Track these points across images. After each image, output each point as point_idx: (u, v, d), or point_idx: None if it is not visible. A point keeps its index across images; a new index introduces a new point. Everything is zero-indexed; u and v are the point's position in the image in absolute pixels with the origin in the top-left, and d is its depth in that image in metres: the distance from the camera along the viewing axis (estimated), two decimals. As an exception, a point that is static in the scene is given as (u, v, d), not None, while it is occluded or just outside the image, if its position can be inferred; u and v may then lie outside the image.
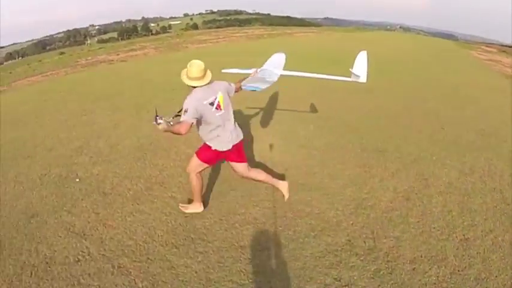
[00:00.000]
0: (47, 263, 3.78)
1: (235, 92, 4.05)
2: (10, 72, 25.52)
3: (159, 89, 11.29)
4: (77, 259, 3.81)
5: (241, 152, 4.16)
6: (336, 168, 5.63)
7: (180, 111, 3.65)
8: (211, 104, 3.66)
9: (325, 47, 25.53)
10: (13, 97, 13.32)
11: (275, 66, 4.80)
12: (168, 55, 22.48)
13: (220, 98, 3.72)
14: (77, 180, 5.53)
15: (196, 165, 4.06)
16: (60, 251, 3.96)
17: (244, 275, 3.49)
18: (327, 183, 5.19)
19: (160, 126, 3.50)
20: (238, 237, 4.07)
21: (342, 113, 8.65)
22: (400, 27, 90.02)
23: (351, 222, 4.22)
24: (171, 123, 3.55)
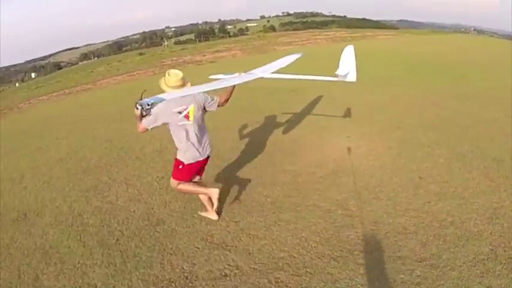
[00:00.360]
0: (186, 278, 3.71)
1: (223, 103, 4.39)
2: (91, 71, 28.55)
3: (265, 92, 11.77)
4: (223, 273, 3.72)
5: (203, 169, 4.57)
6: (464, 177, 5.68)
7: (141, 97, 3.51)
8: (180, 112, 4.02)
9: (420, 51, 24.71)
10: (102, 95, 14.63)
11: (265, 70, 4.94)
12: (256, 57, 23.47)
13: (191, 109, 4.06)
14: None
15: (176, 184, 4.42)
16: (201, 265, 3.88)
17: (408, 286, 3.54)
18: (460, 192, 5.24)
19: (136, 112, 3.73)
20: (394, 248, 4.05)
21: (457, 120, 8.76)
22: (474, 29, 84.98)
23: (489, 231, 4.33)
24: (145, 115, 3.86)
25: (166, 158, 6.84)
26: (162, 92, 3.92)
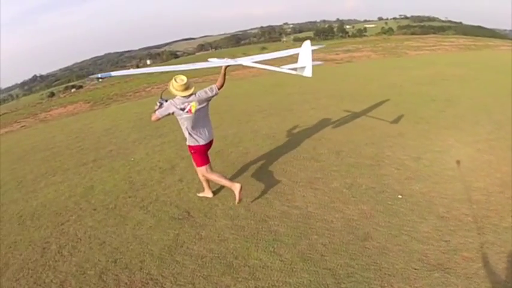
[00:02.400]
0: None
1: (219, 89, 5.20)
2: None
3: (424, 100, 10.78)
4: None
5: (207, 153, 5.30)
6: None
7: (161, 96, 5.14)
8: (182, 109, 4.94)
9: None
10: (244, 86, 14.66)
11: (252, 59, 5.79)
12: (392, 60, 22.63)
13: (192, 105, 4.97)
14: (399, 196, 5.20)
15: (204, 171, 5.35)
16: (423, 288, 3.47)
17: None
18: None
19: (156, 106, 5.04)
20: None
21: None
22: None
23: None
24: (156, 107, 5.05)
25: (346, 161, 6.53)
26: (171, 94, 5.02)
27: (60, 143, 10.06)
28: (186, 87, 4.94)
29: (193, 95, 5.03)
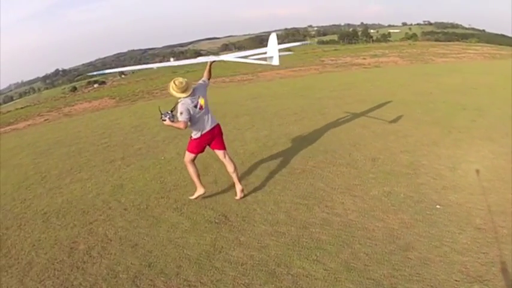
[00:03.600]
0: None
1: (209, 79, 5.74)
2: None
3: (447, 106, 10.71)
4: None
5: (219, 139, 5.65)
6: None
7: (173, 110, 5.26)
8: (195, 106, 5.26)
9: None
10: (271, 87, 14.58)
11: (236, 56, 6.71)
12: (419, 66, 22.46)
13: (201, 101, 5.31)
14: (438, 206, 5.08)
15: (188, 156, 5.57)
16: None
17: None
18: None
19: (165, 122, 5.10)
20: None
21: None
22: None
23: None
24: (173, 119, 5.10)
25: (383, 169, 6.40)
26: (173, 96, 5.35)
27: (86, 139, 10.04)
28: (186, 88, 5.24)
29: (195, 91, 5.37)
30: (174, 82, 5.22)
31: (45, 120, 15.63)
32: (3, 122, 17.63)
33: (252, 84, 17.36)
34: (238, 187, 5.63)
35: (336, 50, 38.35)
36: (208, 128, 5.47)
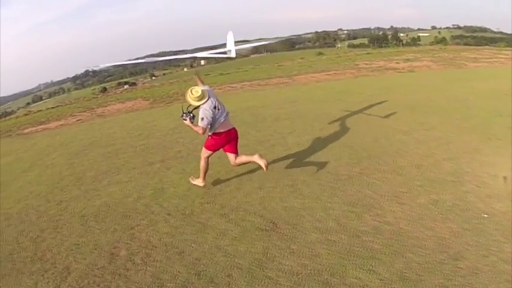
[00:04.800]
0: None
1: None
2: (280, 65, 29.41)
3: (484, 113, 10.47)
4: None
5: (235, 143, 6.12)
6: None
7: (193, 110, 5.82)
8: (215, 107, 5.74)
9: None
10: (309, 91, 14.45)
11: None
12: (452, 71, 22.18)
13: (218, 104, 5.79)
14: (485, 215, 5.07)
15: (205, 153, 6.04)
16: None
17: None
18: None
19: (185, 122, 5.73)
20: None
21: None
22: None
23: None
24: (193, 121, 5.69)
25: (428, 176, 6.32)
26: (189, 104, 5.86)
27: (122, 140, 10.04)
28: (202, 96, 5.76)
29: (211, 97, 5.91)
30: (191, 91, 5.76)
31: (78, 120, 15.77)
32: (34, 121, 17.87)
33: (288, 87, 17.24)
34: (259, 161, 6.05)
35: (368, 53, 38.05)
36: (225, 127, 5.96)
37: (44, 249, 4.98)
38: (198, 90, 5.78)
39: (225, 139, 6.00)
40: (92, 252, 4.77)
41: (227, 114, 6.04)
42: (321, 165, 6.84)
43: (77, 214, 5.88)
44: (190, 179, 6.41)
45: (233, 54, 7.16)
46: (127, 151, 8.90)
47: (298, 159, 7.20)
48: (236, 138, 6.12)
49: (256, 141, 8.57)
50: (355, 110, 11.00)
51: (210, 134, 5.97)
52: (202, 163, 6.09)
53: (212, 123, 5.80)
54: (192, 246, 4.64)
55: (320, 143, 8.11)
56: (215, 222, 5.14)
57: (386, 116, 10.08)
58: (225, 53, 7.33)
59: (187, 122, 5.72)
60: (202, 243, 4.68)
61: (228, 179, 6.48)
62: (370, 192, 5.74)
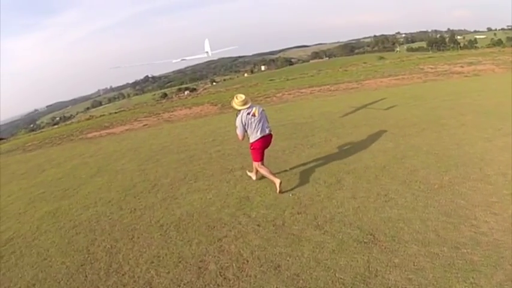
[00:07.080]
0: None
1: None
2: (345, 70, 28.90)
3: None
4: None
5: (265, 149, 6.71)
6: None
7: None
8: (248, 114, 6.51)
9: None
10: (380, 96, 14.09)
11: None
12: None
13: (254, 110, 6.53)
14: None
15: (256, 165, 6.76)
16: None
17: None
18: None
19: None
20: None
21: None
22: None
23: None
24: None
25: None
26: (234, 108, 6.76)
27: (195, 146, 10.04)
28: (245, 102, 6.57)
29: (253, 106, 6.66)
30: (236, 97, 6.61)
31: (144, 125, 16.05)
32: (98, 126, 18.39)
33: (359, 92, 17.04)
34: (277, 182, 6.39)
35: (430, 57, 37.12)
36: (261, 133, 6.53)
37: (120, 261, 4.88)
38: (242, 96, 6.63)
39: (262, 143, 6.59)
40: (176, 265, 4.62)
41: (262, 122, 6.59)
42: (411, 173, 6.59)
43: (155, 223, 5.79)
44: (248, 173, 7.31)
45: (211, 56, 9.90)
46: (202, 157, 8.87)
47: (386, 167, 6.97)
48: (269, 145, 6.78)
49: (338, 148, 8.39)
50: (430, 115, 10.68)
51: (250, 141, 6.62)
52: (262, 172, 6.65)
53: (248, 128, 6.55)
54: (288, 260, 4.42)
55: (405, 151, 7.84)
56: (310, 234, 4.91)
57: (463, 123, 9.70)
58: (206, 56, 10.28)
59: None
60: (299, 257, 4.46)
61: (317, 188, 6.29)
62: (463, 202, 5.48)
